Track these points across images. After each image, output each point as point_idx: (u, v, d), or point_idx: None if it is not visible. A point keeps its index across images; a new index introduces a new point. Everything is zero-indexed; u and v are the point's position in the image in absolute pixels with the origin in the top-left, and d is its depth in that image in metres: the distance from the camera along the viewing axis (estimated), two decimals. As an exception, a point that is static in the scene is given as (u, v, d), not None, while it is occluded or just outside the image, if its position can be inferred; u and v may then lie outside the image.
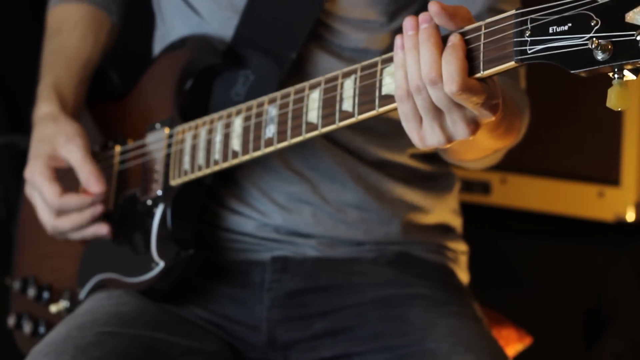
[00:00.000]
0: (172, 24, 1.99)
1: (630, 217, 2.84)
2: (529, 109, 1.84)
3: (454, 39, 1.41)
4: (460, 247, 2.04)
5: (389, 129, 1.93)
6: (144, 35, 2.18)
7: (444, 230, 2.02)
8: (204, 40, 1.90)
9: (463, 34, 1.42)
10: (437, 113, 1.44)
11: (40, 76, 2.05)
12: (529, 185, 2.96)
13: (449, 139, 1.45)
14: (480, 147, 1.70)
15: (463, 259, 2.05)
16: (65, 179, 1.94)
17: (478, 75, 1.40)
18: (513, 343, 2.12)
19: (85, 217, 1.91)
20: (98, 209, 1.91)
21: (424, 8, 1.85)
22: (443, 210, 2.01)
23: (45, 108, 1.97)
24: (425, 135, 1.46)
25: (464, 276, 2.04)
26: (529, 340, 2.15)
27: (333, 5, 1.84)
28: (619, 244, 2.87)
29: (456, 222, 2.05)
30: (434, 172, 2.01)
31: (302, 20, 1.83)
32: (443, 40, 1.43)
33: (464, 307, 1.90)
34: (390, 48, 1.87)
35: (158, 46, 2.05)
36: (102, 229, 1.93)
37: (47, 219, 1.93)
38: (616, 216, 2.85)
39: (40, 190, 1.91)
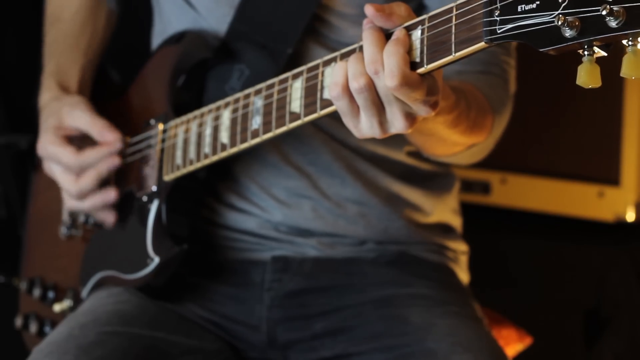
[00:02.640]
0: (169, 19, 1.99)
1: (630, 217, 2.84)
2: (509, 111, 1.85)
3: (399, 34, 1.45)
4: (461, 247, 2.04)
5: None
6: (143, 31, 2.19)
7: (444, 229, 2.02)
8: (197, 36, 1.91)
9: (432, 23, 1.43)
10: (378, 110, 1.47)
11: (43, 66, 2.07)
12: (529, 185, 2.96)
13: (385, 132, 1.50)
14: (447, 141, 1.72)
15: (463, 259, 2.05)
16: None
17: (449, 57, 1.41)
18: (513, 343, 2.12)
19: (102, 170, 1.90)
20: (115, 160, 1.90)
21: (421, 4, 1.86)
22: (443, 210, 2.01)
23: (46, 94, 2.01)
24: (362, 127, 1.50)
25: (464, 276, 2.04)
26: (529, 340, 2.15)
27: (330, 0, 1.84)
28: (619, 244, 2.87)
29: (456, 222, 2.05)
30: (433, 171, 2.01)
31: (298, 15, 1.83)
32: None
33: (464, 307, 1.90)
34: None
35: (156, 42, 2.05)
36: (109, 194, 1.92)
37: (71, 185, 1.92)
38: (616, 216, 2.85)
39: (56, 157, 1.92)
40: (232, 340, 1.91)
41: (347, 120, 1.51)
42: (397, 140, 1.95)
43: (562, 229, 2.94)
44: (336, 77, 1.49)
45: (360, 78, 1.45)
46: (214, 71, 1.89)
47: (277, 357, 1.91)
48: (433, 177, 2.01)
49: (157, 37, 2.05)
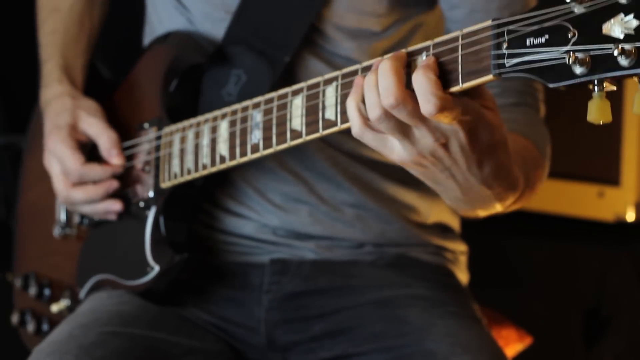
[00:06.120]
0: (161, 19, 1.98)
1: (630, 217, 2.83)
2: (550, 144, 1.80)
3: (428, 60, 1.38)
4: (459, 248, 2.04)
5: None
6: (134, 27, 2.17)
7: (442, 230, 2.01)
8: (187, 38, 1.89)
9: (437, 51, 1.38)
10: (404, 133, 1.41)
11: (43, 57, 2.03)
12: (529, 185, 2.95)
13: (420, 152, 1.43)
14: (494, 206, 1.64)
15: (462, 259, 2.05)
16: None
17: (456, 88, 1.36)
18: (513, 343, 2.12)
19: (99, 191, 1.89)
20: (114, 184, 1.89)
21: (418, 26, 1.85)
22: (440, 211, 2.01)
23: (58, 88, 1.97)
24: (400, 154, 1.44)
25: (463, 277, 2.03)
26: (529, 340, 2.15)
27: (328, 12, 1.83)
28: (619, 244, 2.87)
29: (454, 221, 2.05)
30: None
31: (297, 24, 1.82)
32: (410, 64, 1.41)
33: (462, 307, 1.90)
34: None
35: (147, 40, 2.04)
36: (115, 205, 1.90)
37: (62, 188, 1.91)
38: (616, 216, 2.85)
39: (62, 158, 1.90)
40: (233, 342, 1.91)
41: (386, 152, 1.45)
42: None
43: (562, 229, 2.93)
44: (355, 119, 1.43)
45: (376, 109, 1.39)
46: (210, 75, 1.87)
47: (276, 359, 1.91)
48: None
49: (148, 35, 2.04)
